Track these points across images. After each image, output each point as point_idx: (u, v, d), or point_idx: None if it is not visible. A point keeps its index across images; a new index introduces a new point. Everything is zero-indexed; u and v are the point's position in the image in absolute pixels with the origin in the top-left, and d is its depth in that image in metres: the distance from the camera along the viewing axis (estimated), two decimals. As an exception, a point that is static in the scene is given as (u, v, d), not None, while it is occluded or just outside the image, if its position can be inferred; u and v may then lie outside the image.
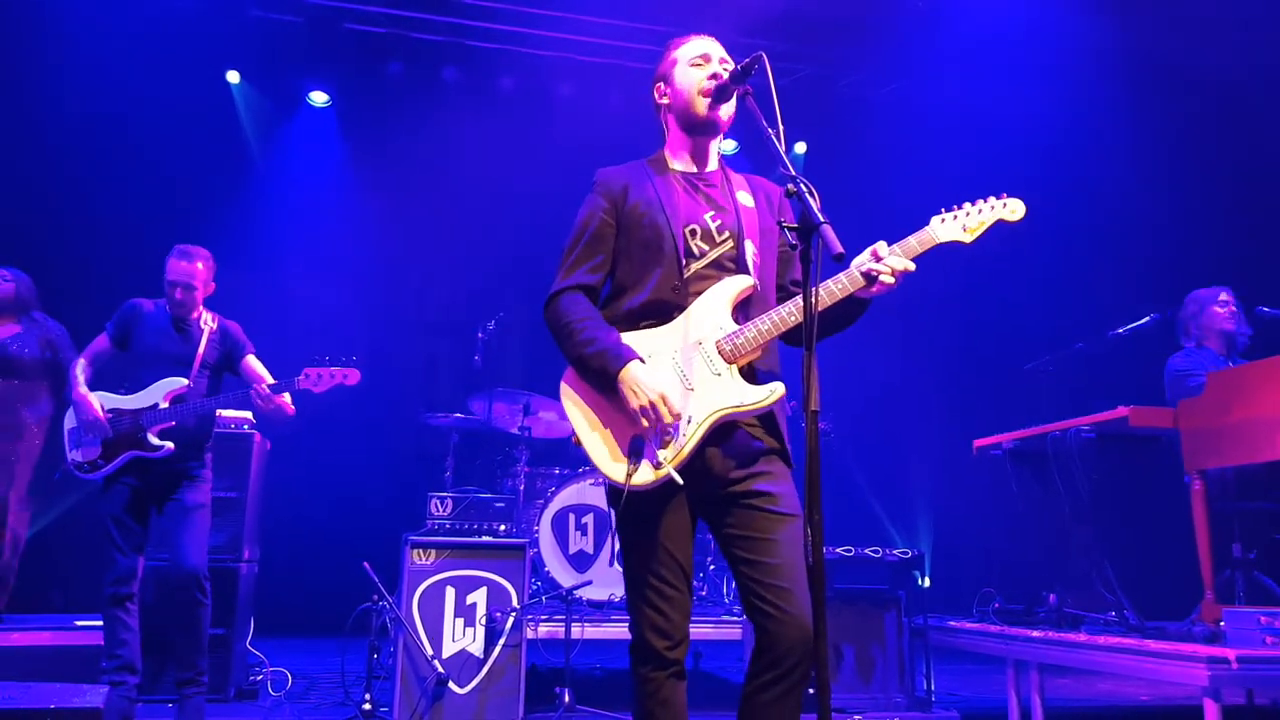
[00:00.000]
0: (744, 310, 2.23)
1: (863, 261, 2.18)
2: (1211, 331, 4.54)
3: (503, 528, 4.57)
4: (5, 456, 4.22)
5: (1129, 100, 7.37)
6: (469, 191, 7.90)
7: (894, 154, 7.86)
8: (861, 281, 2.17)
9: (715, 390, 2.14)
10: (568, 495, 5.19)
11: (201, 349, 3.97)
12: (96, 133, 6.82)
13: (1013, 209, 2.28)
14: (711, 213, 2.29)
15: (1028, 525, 4.58)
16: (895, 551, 4.49)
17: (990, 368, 7.46)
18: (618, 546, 2.29)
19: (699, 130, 2.34)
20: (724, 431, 2.14)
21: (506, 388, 5.71)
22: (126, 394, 3.91)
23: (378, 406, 7.21)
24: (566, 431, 5.42)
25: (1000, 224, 2.28)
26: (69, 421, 3.96)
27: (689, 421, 2.11)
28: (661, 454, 2.10)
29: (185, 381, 3.89)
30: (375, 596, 4.05)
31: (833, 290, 2.18)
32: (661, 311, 2.21)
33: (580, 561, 5.06)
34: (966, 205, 2.29)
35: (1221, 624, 3.42)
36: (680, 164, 2.38)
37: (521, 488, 5.38)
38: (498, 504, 4.66)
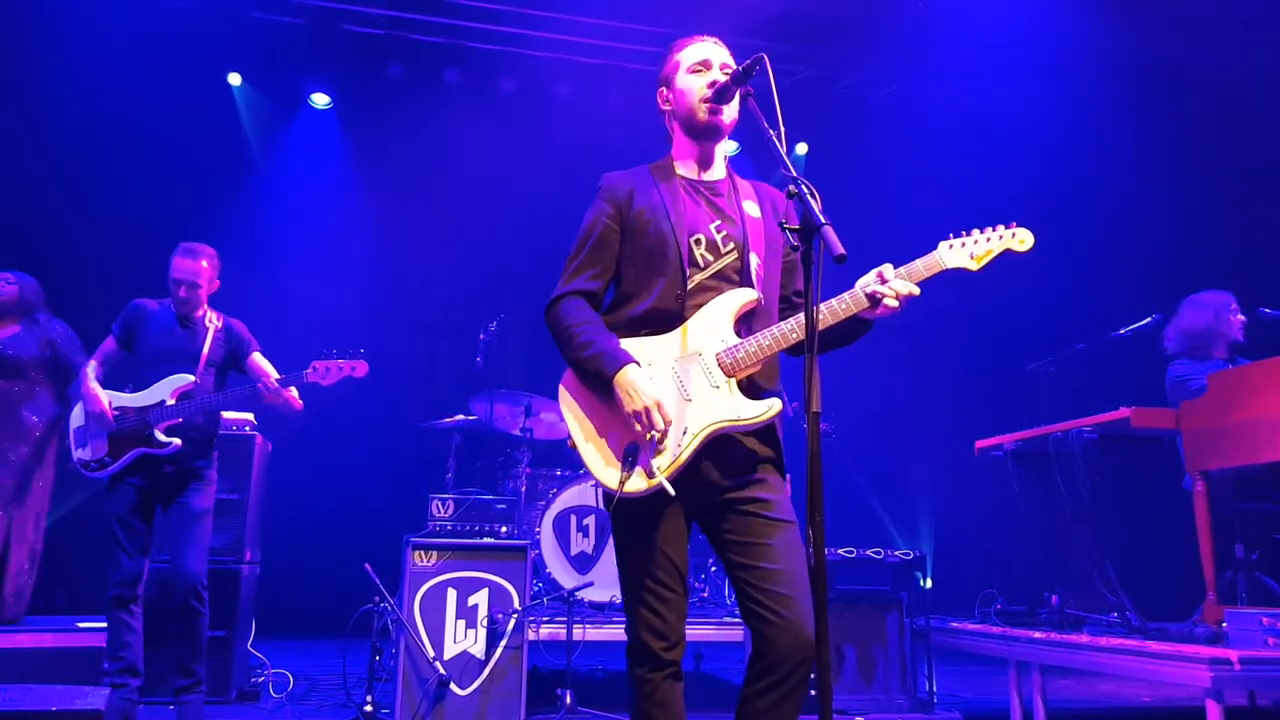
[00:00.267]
0: (746, 323, 2.22)
1: (867, 282, 2.18)
2: (1224, 339, 4.49)
3: (504, 529, 4.57)
4: (4, 456, 4.21)
5: (1129, 100, 7.37)
6: (469, 192, 7.90)
7: (894, 155, 7.87)
8: (865, 302, 2.17)
9: (712, 403, 2.13)
10: (569, 497, 5.19)
11: (207, 347, 3.97)
12: (97, 133, 6.83)
13: (1021, 239, 2.24)
14: (717, 222, 2.27)
15: (1029, 526, 4.58)
16: (897, 553, 4.49)
17: (991, 369, 7.46)
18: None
19: (702, 135, 2.33)
20: (720, 443, 2.14)
21: (508, 389, 5.71)
22: (133, 392, 3.91)
23: (378, 407, 7.22)
24: (567, 433, 5.41)
25: (1008, 253, 2.25)
26: (75, 420, 3.97)
27: (685, 432, 2.11)
28: (655, 462, 2.09)
29: (192, 378, 3.88)
30: (377, 598, 4.05)
31: (836, 309, 2.17)
32: (663, 321, 2.20)
33: (582, 563, 5.05)
34: (975, 232, 2.26)
35: (1224, 625, 3.42)
36: (686, 170, 2.36)
37: (523, 489, 5.37)
38: (499, 505, 4.66)
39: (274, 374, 3.96)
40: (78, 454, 3.92)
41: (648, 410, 2.08)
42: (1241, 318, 4.51)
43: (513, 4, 7.26)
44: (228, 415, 4.66)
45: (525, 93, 8.04)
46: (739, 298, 2.21)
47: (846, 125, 8.23)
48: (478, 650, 4.03)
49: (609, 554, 5.08)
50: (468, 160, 7.86)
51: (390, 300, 8.01)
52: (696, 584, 5.34)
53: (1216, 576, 3.80)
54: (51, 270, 4.67)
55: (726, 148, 2.47)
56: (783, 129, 2.04)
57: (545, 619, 4.46)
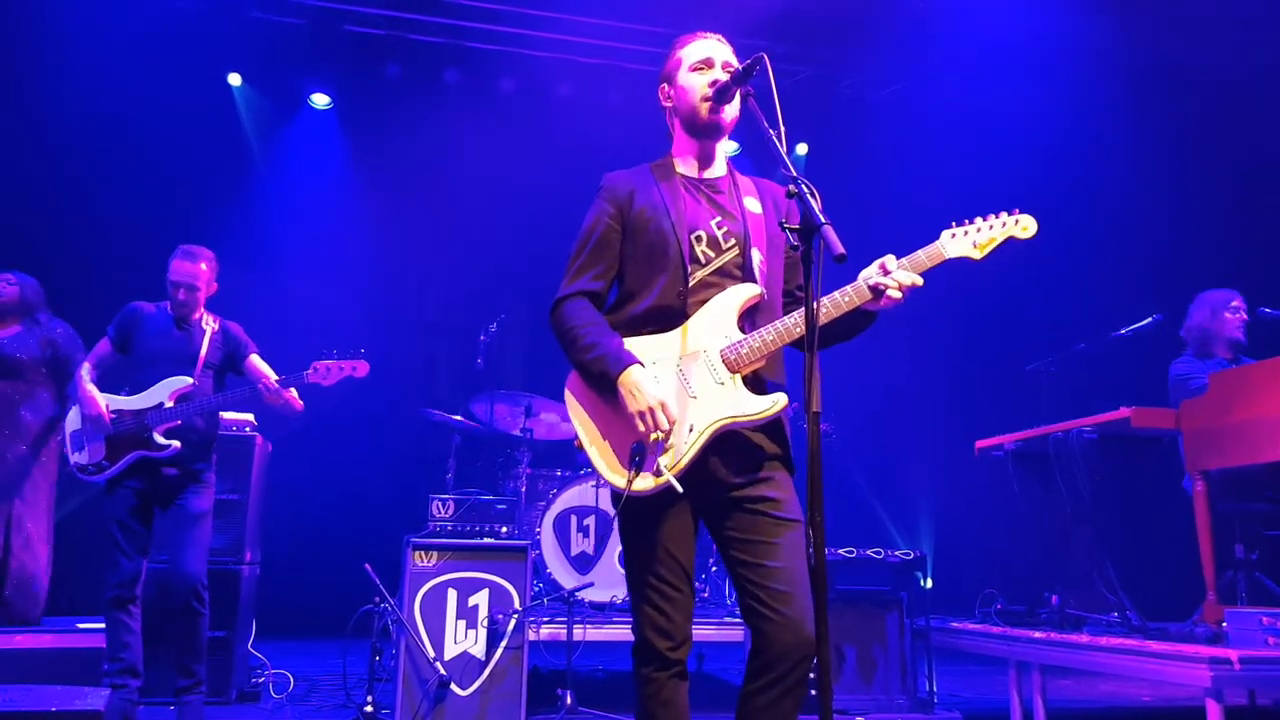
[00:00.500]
0: (750, 319, 2.21)
1: (870, 275, 2.17)
2: (1221, 338, 4.50)
3: (504, 529, 4.57)
4: (3, 455, 4.21)
5: (1129, 100, 7.37)
6: (468, 192, 7.90)
7: (894, 155, 7.86)
8: (868, 295, 2.16)
9: (717, 399, 2.13)
10: (569, 497, 5.19)
11: (204, 350, 3.96)
12: (97, 133, 6.83)
13: (1024, 226, 2.23)
14: (718, 219, 2.27)
15: (1029, 526, 4.58)
16: (897, 553, 4.49)
17: (992, 368, 7.46)
18: (620, 548, 2.29)
19: (703, 133, 2.33)
20: (727, 439, 2.13)
21: (508, 389, 5.71)
22: (130, 395, 3.90)
23: (379, 407, 7.22)
24: (568, 433, 5.42)
25: (1011, 241, 2.24)
26: (71, 424, 3.95)
27: (690, 430, 2.10)
28: (662, 461, 2.09)
29: (190, 380, 3.87)
30: (377, 599, 4.05)
31: (839, 302, 2.17)
32: (666, 318, 2.20)
33: (582, 563, 5.05)
34: (978, 220, 2.25)
35: (1224, 625, 3.43)
36: (687, 168, 2.36)
37: (523, 489, 5.37)
38: (499, 506, 4.65)
39: (273, 376, 3.95)
40: (75, 458, 3.89)
41: (651, 410, 2.08)
42: (1242, 316, 4.50)
43: (512, 4, 7.25)
44: (228, 416, 4.66)
45: (525, 93, 8.04)
46: (741, 293, 2.20)
47: (846, 125, 8.23)
48: (478, 651, 4.03)
49: (609, 554, 5.09)
50: (467, 160, 7.85)
51: (390, 300, 8.01)
52: (697, 584, 5.34)
53: (1216, 576, 3.80)
54: (51, 270, 4.67)
55: (727, 148, 2.47)
56: (783, 129, 2.04)
57: (545, 619, 4.45)
